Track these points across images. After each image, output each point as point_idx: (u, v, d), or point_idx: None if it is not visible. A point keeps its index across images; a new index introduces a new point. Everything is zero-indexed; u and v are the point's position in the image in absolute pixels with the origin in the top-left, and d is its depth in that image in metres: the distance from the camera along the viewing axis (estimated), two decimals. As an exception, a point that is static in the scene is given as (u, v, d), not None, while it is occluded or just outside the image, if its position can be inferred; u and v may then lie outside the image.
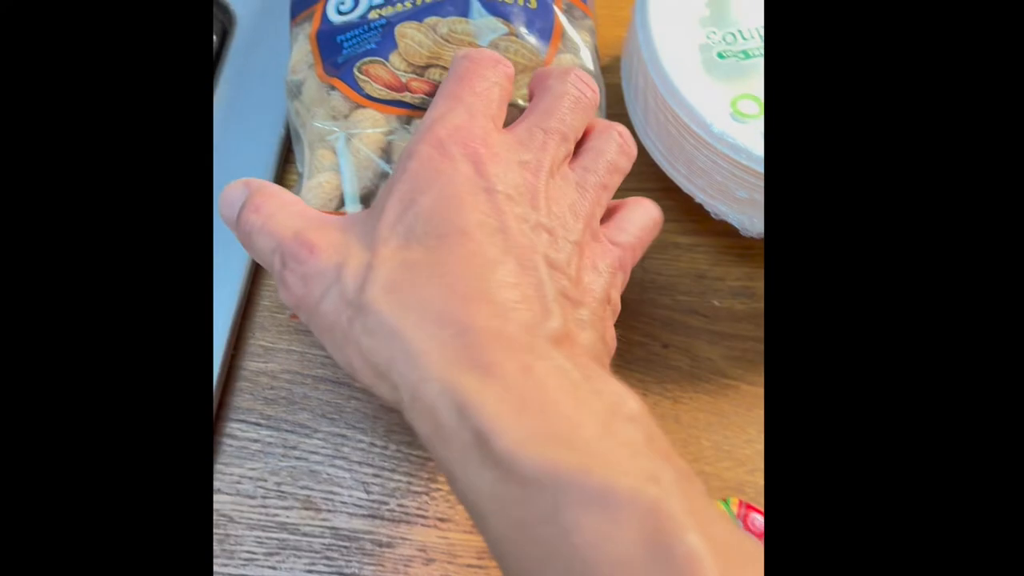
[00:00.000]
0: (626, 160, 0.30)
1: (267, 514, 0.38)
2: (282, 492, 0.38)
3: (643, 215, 0.31)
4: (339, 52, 0.35)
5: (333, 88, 0.34)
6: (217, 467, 0.38)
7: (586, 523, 0.21)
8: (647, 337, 0.41)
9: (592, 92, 0.30)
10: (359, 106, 0.34)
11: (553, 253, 0.27)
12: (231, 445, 0.39)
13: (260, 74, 0.46)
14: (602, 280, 0.28)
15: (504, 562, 0.23)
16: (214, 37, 0.48)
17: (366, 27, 0.35)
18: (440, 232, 0.26)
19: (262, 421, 0.40)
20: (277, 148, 0.44)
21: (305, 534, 0.37)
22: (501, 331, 0.24)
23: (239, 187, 0.31)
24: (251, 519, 0.37)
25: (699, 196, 0.40)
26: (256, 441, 0.39)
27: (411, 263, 0.26)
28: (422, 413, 0.24)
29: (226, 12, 0.49)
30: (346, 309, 0.26)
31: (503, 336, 0.24)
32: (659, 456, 0.22)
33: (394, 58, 0.34)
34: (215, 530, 0.37)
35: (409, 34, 0.34)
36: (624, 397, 0.24)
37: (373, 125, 0.33)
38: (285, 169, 0.45)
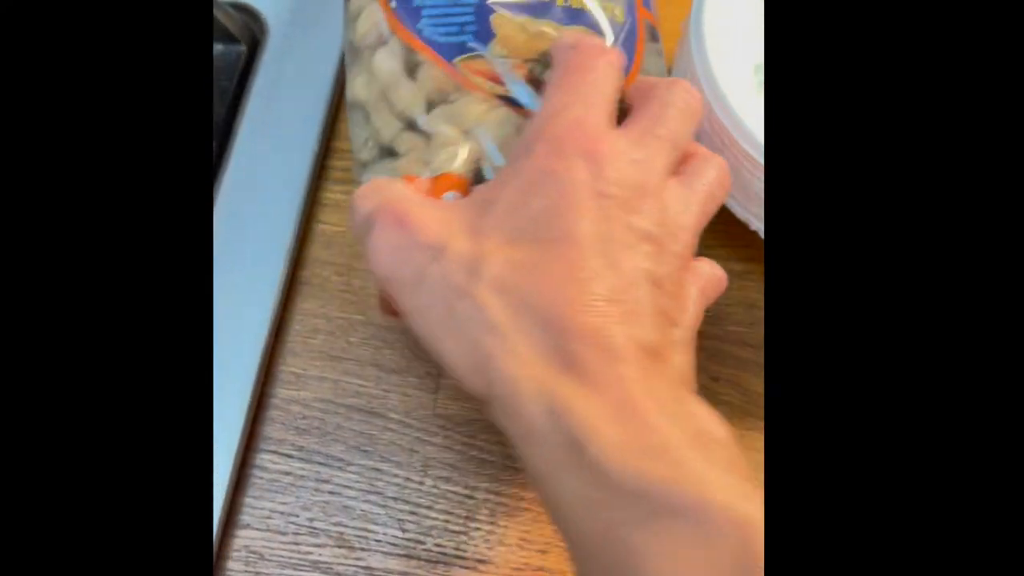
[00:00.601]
0: (723, 192, 0.29)
1: (299, 552, 0.36)
2: (314, 528, 0.37)
3: (710, 269, 0.29)
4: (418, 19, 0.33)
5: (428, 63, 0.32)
6: (246, 500, 0.37)
7: (678, 532, 0.21)
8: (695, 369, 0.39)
9: (699, 104, 0.29)
10: (463, 90, 0.32)
11: (656, 267, 0.26)
12: (261, 477, 0.38)
13: (293, 82, 0.45)
14: (695, 304, 0.28)
15: (584, 565, 0.24)
16: (243, 46, 0.46)
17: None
18: (549, 236, 0.26)
19: (294, 452, 0.38)
20: (311, 158, 0.43)
21: (339, 574, 0.36)
22: (600, 341, 0.24)
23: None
24: (282, 556, 0.36)
25: (754, 223, 0.38)
26: (287, 474, 0.38)
27: (518, 262, 0.26)
28: (515, 412, 0.24)
29: (257, 20, 0.47)
30: (449, 294, 0.26)
31: (601, 346, 0.24)
32: (748, 479, 0.23)
33: (494, 47, 0.32)
34: (245, 567, 0.36)
35: (506, 26, 0.32)
36: (714, 421, 0.25)
37: (482, 114, 0.31)
38: (320, 176, 0.43)
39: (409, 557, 0.36)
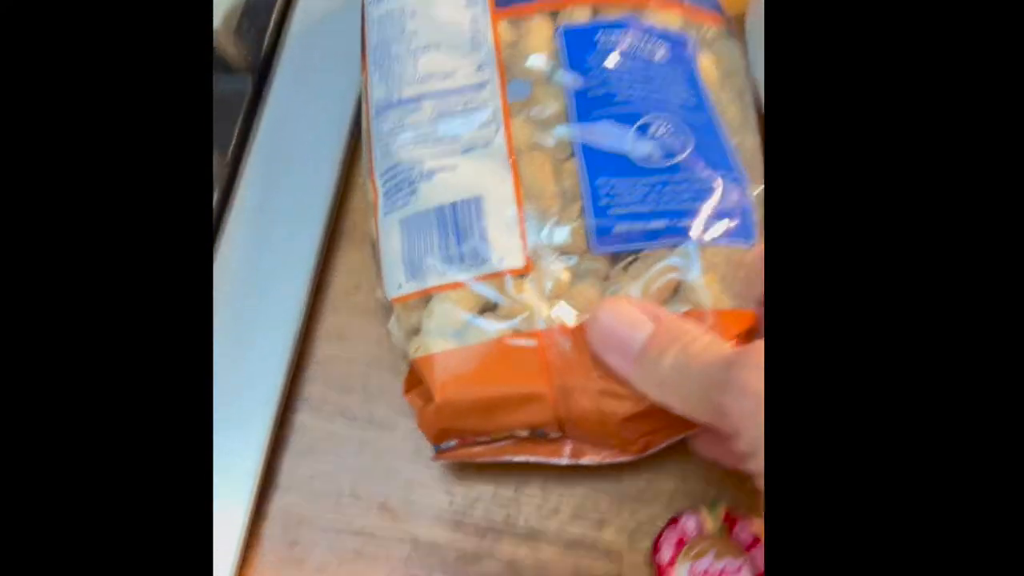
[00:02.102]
0: None
1: (340, 517, 0.34)
2: (356, 493, 0.35)
3: None
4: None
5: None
6: (285, 462, 0.35)
7: None
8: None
9: None
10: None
11: None
12: (302, 438, 0.36)
13: (322, 58, 0.42)
14: None
15: None
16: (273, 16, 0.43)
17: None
18: None
19: (335, 414, 0.36)
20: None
21: (381, 541, 0.34)
22: None
23: (640, 318, 0.29)
24: (322, 521, 0.34)
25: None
26: (330, 436, 0.36)
27: None
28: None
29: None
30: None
31: None
32: None
33: None
34: (283, 531, 0.34)
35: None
36: None
37: None
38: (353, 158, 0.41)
39: (456, 526, 0.34)
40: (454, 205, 0.32)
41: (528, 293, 0.31)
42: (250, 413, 0.35)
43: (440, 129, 0.33)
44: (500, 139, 0.32)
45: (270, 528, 0.34)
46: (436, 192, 0.32)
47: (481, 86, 0.33)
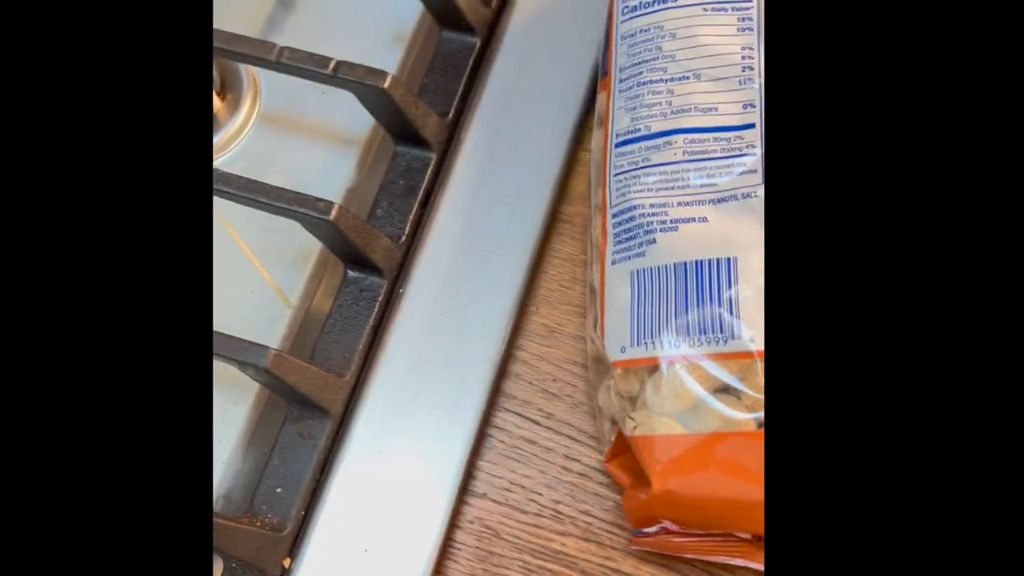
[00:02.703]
0: None
1: (538, 536, 0.31)
2: (559, 513, 0.31)
3: None
4: None
5: None
6: (483, 465, 0.32)
7: None
8: None
9: None
10: None
11: None
12: (501, 441, 0.33)
13: (559, 22, 0.38)
14: None
15: None
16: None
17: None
18: None
19: (540, 419, 0.33)
20: (589, 74, 0.36)
21: (583, 571, 0.31)
22: None
23: None
24: (519, 538, 0.31)
25: None
26: (532, 442, 0.32)
27: None
28: None
29: None
30: None
31: None
32: None
33: None
34: (478, 543, 0.31)
35: None
36: None
37: None
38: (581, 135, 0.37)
39: (669, 565, 0.30)
40: (700, 264, 0.28)
41: None
42: (455, 407, 0.32)
43: (691, 173, 0.28)
44: (764, 192, 0.28)
45: (463, 536, 0.31)
46: (679, 246, 0.28)
47: (747, 127, 0.28)
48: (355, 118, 0.36)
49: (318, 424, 0.32)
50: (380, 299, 0.34)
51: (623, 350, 0.28)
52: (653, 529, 0.28)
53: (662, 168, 0.29)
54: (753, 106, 0.29)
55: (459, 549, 0.31)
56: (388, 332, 0.33)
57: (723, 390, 0.27)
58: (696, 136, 0.29)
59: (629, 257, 0.29)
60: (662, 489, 0.27)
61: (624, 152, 0.30)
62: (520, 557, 0.31)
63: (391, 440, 0.32)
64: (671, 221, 0.28)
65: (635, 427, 0.28)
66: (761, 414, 0.26)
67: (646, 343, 0.28)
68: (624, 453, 0.29)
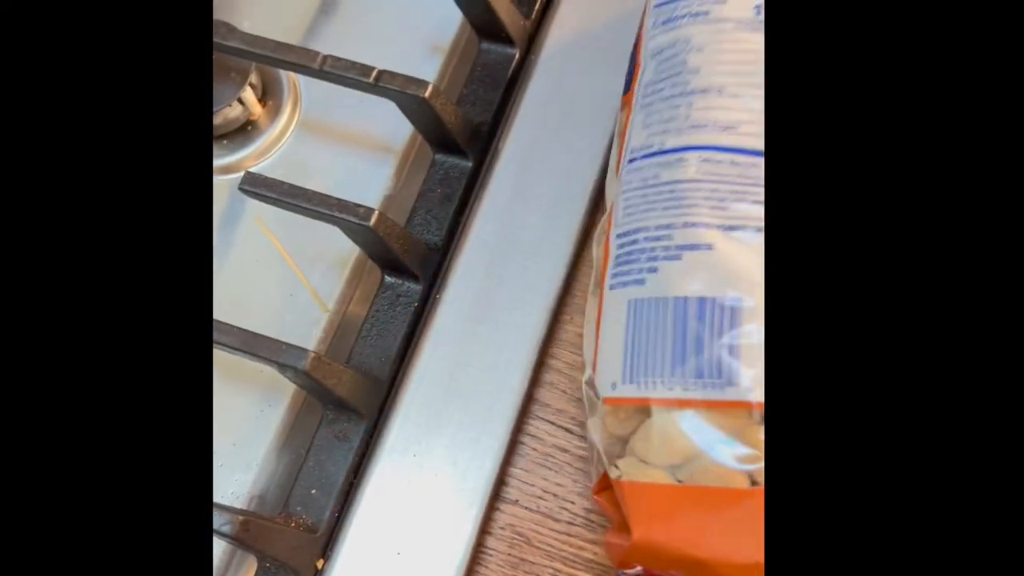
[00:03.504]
0: None
1: (571, 545, 0.31)
2: (590, 522, 0.31)
3: None
4: None
5: None
6: (515, 472, 0.32)
7: None
8: None
9: None
10: None
11: None
12: (534, 448, 0.33)
13: (597, 33, 0.38)
14: None
15: None
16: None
17: None
18: None
19: (573, 427, 0.33)
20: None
21: (615, 580, 0.31)
22: None
23: None
24: (551, 546, 0.31)
25: None
26: (564, 450, 0.33)
27: None
28: None
29: None
30: None
31: None
32: None
33: None
34: (509, 549, 0.31)
35: None
36: None
37: None
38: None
39: (699, 578, 0.30)
40: (703, 301, 0.25)
41: None
42: (488, 413, 0.32)
43: (702, 194, 0.26)
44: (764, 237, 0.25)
45: (494, 542, 0.31)
46: (681, 278, 0.25)
47: None
48: (394, 126, 0.36)
49: (353, 427, 0.32)
50: (416, 305, 0.34)
51: (614, 386, 0.26)
52: (634, 572, 0.27)
53: (671, 187, 0.27)
54: None
55: (490, 555, 0.31)
56: (424, 338, 0.33)
57: (717, 442, 0.25)
58: (711, 155, 0.26)
59: (627, 283, 0.27)
60: (644, 540, 0.25)
61: (635, 168, 0.28)
62: (552, 565, 0.31)
63: (425, 444, 0.32)
64: (676, 248, 0.26)
65: (620, 474, 0.26)
66: (755, 468, 0.24)
67: (638, 382, 0.26)
68: (611, 488, 0.27)
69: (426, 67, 0.38)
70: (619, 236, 0.28)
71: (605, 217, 0.30)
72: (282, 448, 0.33)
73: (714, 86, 0.27)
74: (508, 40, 0.37)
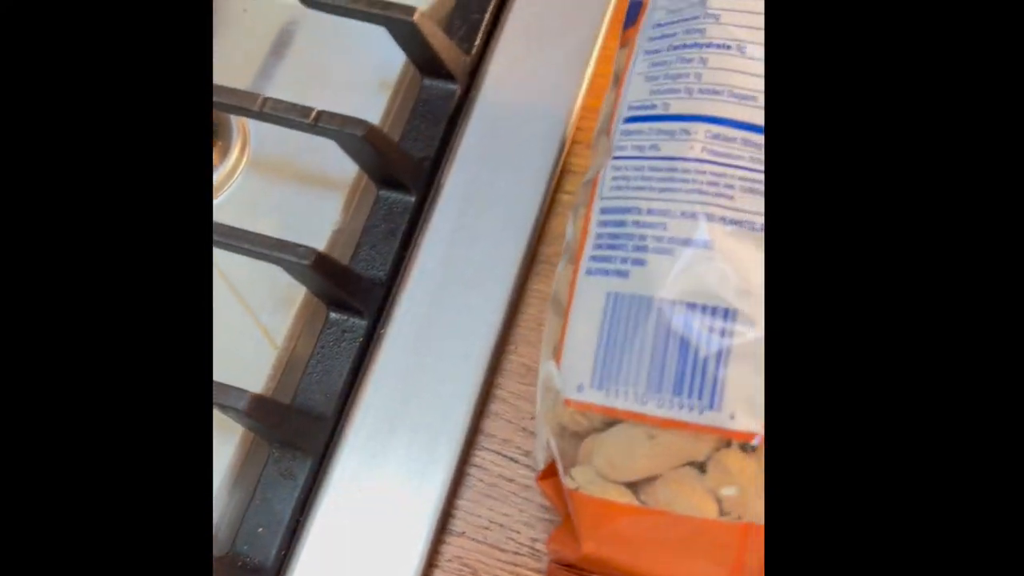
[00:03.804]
0: None
1: (517, 574, 0.31)
2: (536, 551, 0.32)
3: None
4: None
5: None
6: (460, 503, 0.33)
7: None
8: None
9: None
10: None
11: None
12: (480, 480, 0.33)
13: (541, 60, 0.39)
14: None
15: None
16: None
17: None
18: None
19: (519, 456, 0.33)
20: (565, 118, 0.37)
21: (560, 609, 0.31)
22: None
23: None
24: (497, 576, 0.32)
25: None
26: (510, 480, 0.33)
27: None
28: None
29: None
30: None
31: None
32: None
33: None
34: (455, 581, 0.31)
35: None
36: None
37: None
38: (576, 139, 0.38)
39: (644, 605, 0.31)
40: (692, 308, 0.22)
41: (749, 473, 0.22)
42: (434, 445, 0.32)
43: (707, 179, 0.23)
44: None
45: (441, 575, 0.32)
46: (671, 277, 0.22)
47: None
48: (340, 163, 0.37)
49: (299, 464, 0.32)
50: (361, 340, 0.34)
51: (580, 388, 0.24)
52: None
53: (671, 164, 0.23)
54: None
55: (437, 588, 0.31)
56: (369, 371, 0.34)
57: (687, 465, 0.23)
58: (722, 130, 0.23)
59: (608, 272, 0.24)
60: (592, 554, 0.23)
61: (632, 131, 0.25)
62: (498, 595, 0.31)
63: (371, 479, 0.32)
64: (668, 240, 0.23)
65: (577, 486, 0.24)
66: (727, 495, 0.23)
67: (607, 389, 0.23)
68: (557, 476, 0.25)
69: (373, 104, 0.39)
70: (603, 212, 0.25)
71: (587, 183, 0.27)
72: (233, 486, 0.33)
73: (735, 40, 0.23)
74: (449, 76, 0.38)
